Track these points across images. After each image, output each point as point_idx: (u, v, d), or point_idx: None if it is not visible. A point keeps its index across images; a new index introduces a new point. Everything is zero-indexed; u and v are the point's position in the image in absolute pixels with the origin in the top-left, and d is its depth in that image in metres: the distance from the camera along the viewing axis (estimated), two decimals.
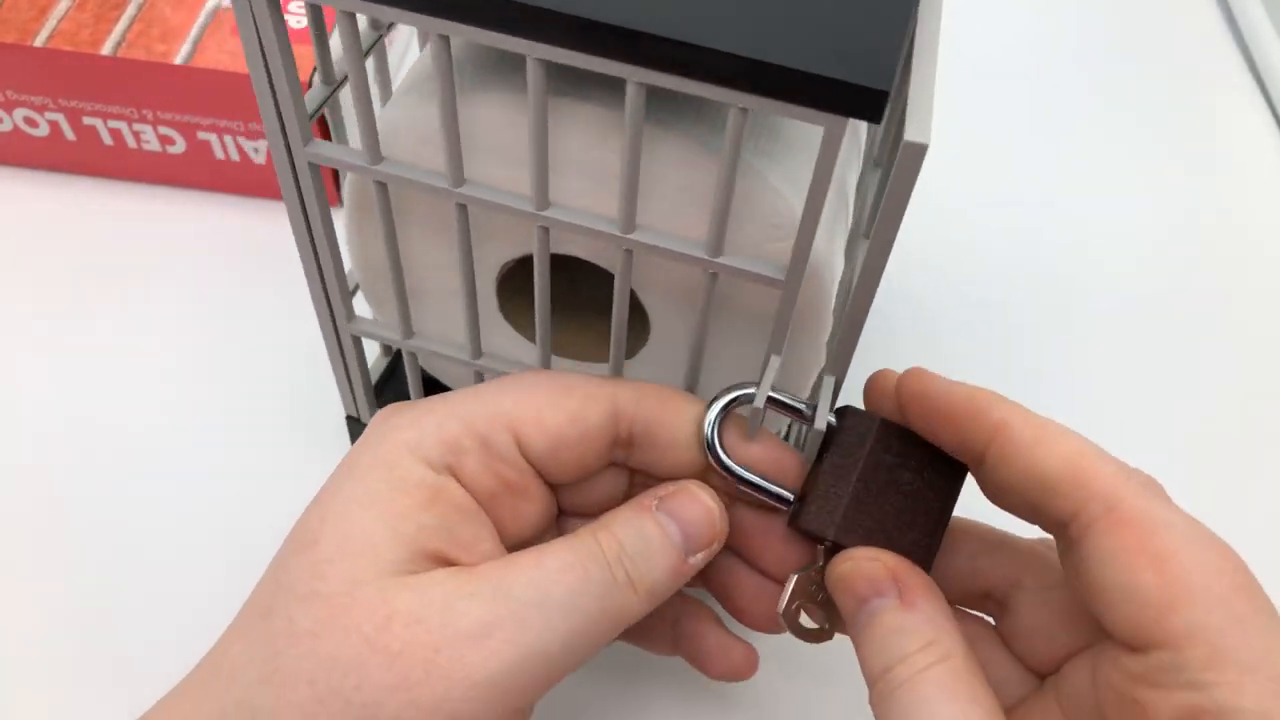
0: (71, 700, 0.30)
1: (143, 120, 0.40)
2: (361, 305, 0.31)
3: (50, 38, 0.38)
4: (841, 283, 0.28)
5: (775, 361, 0.24)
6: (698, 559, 0.23)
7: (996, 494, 0.22)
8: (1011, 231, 0.45)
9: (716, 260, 0.22)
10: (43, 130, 0.41)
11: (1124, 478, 0.20)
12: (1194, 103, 0.51)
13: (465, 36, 0.20)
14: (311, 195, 0.26)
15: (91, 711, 0.29)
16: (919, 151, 0.18)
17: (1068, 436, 0.21)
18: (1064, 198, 0.47)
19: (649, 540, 0.23)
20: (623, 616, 0.22)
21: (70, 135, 0.41)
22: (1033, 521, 0.22)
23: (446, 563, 0.22)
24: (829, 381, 0.24)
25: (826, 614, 0.24)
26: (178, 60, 0.38)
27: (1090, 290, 0.43)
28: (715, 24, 0.19)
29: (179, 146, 0.41)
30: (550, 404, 0.23)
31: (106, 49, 0.38)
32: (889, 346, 0.41)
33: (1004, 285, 0.43)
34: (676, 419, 0.24)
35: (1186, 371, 0.41)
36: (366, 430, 0.24)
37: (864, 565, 0.22)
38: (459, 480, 0.23)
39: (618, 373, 0.26)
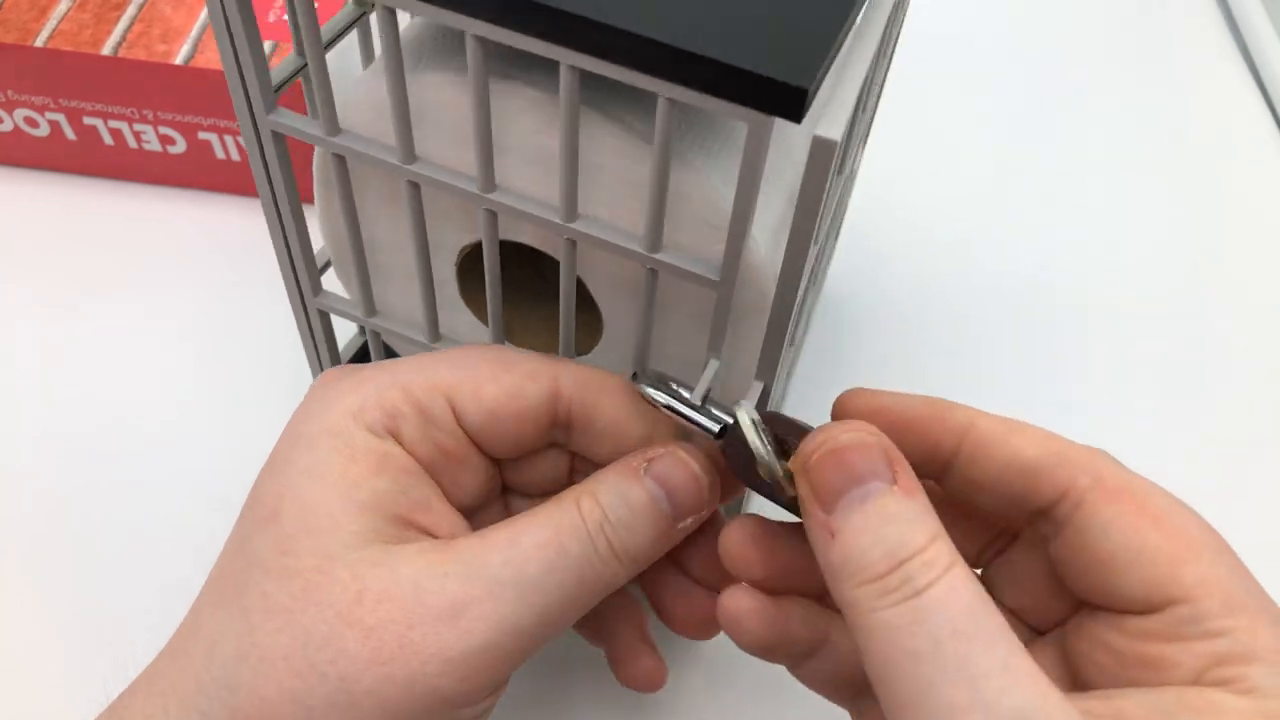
0: (73, 697, 0.30)
1: (143, 120, 0.40)
2: (335, 284, 0.31)
3: (51, 38, 0.38)
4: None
5: (714, 365, 0.23)
6: (687, 524, 0.23)
7: (970, 493, 0.22)
8: (1011, 232, 0.45)
9: (654, 256, 0.22)
10: (43, 130, 0.41)
11: (1099, 456, 0.21)
12: (1194, 103, 0.50)
13: (407, 9, 0.20)
14: (276, 166, 0.26)
15: (95, 706, 0.29)
16: (829, 147, 0.18)
17: (1033, 427, 0.21)
18: (1063, 198, 0.47)
19: (634, 506, 0.22)
20: (604, 585, 0.22)
21: (71, 135, 0.41)
22: (1005, 514, 0.22)
23: (407, 524, 0.22)
24: (756, 386, 0.23)
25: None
26: (178, 60, 0.38)
27: (1089, 290, 0.43)
28: (645, 9, 0.19)
29: (179, 146, 0.41)
30: (490, 378, 0.23)
31: (107, 49, 0.38)
32: (889, 349, 0.40)
33: (1003, 284, 0.43)
34: (615, 407, 0.24)
35: (1186, 371, 0.41)
36: (308, 395, 0.24)
37: (866, 438, 0.19)
38: (400, 445, 0.23)
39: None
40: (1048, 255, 0.44)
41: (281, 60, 0.26)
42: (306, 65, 0.26)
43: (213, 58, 0.39)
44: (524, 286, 0.32)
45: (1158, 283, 0.44)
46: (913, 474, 0.19)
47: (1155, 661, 0.19)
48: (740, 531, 0.22)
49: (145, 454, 0.36)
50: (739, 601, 0.22)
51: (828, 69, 0.18)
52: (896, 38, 0.30)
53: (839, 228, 0.39)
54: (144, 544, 0.34)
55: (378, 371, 0.24)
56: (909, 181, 0.46)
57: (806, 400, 0.38)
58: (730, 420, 0.22)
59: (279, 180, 0.26)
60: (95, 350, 0.38)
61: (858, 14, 0.19)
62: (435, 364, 0.24)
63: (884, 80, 0.33)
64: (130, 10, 0.40)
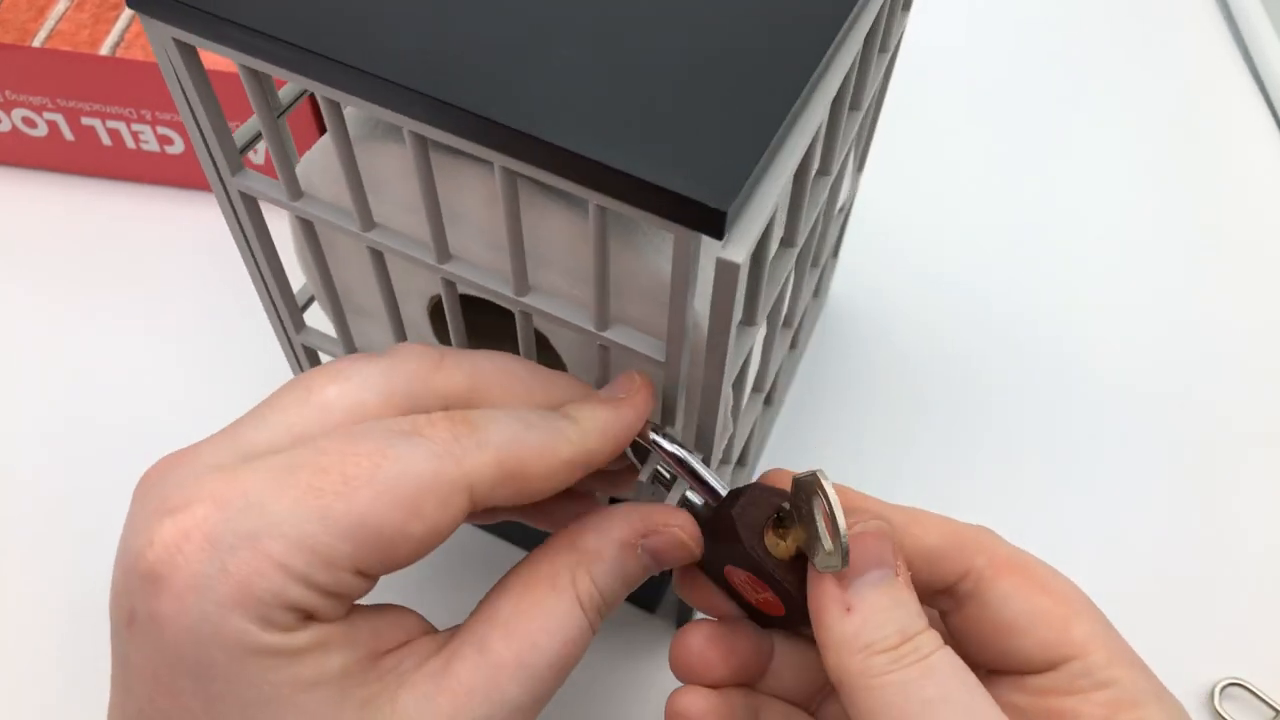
0: (70, 696, 0.32)
1: (141, 120, 0.40)
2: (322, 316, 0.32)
3: (49, 38, 0.39)
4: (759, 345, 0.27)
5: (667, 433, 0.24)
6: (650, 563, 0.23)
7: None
8: (1009, 232, 0.45)
9: (602, 335, 0.22)
10: (41, 130, 0.41)
11: (984, 533, 0.23)
12: (1194, 104, 0.50)
13: (348, 103, 0.20)
14: (247, 221, 0.26)
15: (94, 705, 0.30)
16: (732, 270, 0.18)
17: (927, 514, 0.23)
18: (1062, 198, 0.46)
19: (628, 579, 0.22)
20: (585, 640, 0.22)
21: (69, 135, 0.41)
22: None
23: (376, 669, 0.20)
24: (693, 458, 0.23)
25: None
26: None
27: (1089, 289, 0.43)
28: (574, 118, 0.18)
29: (177, 147, 0.41)
30: (396, 535, 0.19)
31: (105, 49, 0.38)
32: (889, 368, 0.40)
33: (1001, 283, 0.43)
34: (542, 475, 0.21)
35: (1185, 372, 0.40)
36: (148, 570, 0.18)
37: (882, 525, 0.22)
38: (318, 622, 0.19)
39: None
40: (1046, 255, 0.44)
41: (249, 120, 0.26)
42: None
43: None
44: (493, 328, 0.32)
45: (1158, 284, 0.43)
46: (906, 564, 0.22)
47: (1059, 714, 0.21)
48: (699, 637, 0.23)
49: (145, 453, 0.35)
50: (695, 703, 0.22)
51: (752, 188, 0.18)
52: (876, 96, 0.29)
53: (835, 249, 0.38)
54: None
55: (229, 524, 0.18)
56: (912, 192, 0.46)
57: (802, 425, 0.38)
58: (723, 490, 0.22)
59: (252, 235, 0.27)
60: (93, 350, 0.39)
61: (787, 132, 0.19)
62: (312, 517, 0.18)
63: (879, 98, 0.32)
64: (128, 10, 0.40)
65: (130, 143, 0.42)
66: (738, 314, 0.20)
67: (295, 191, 0.25)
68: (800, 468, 0.36)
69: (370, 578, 0.19)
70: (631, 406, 0.22)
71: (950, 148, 0.48)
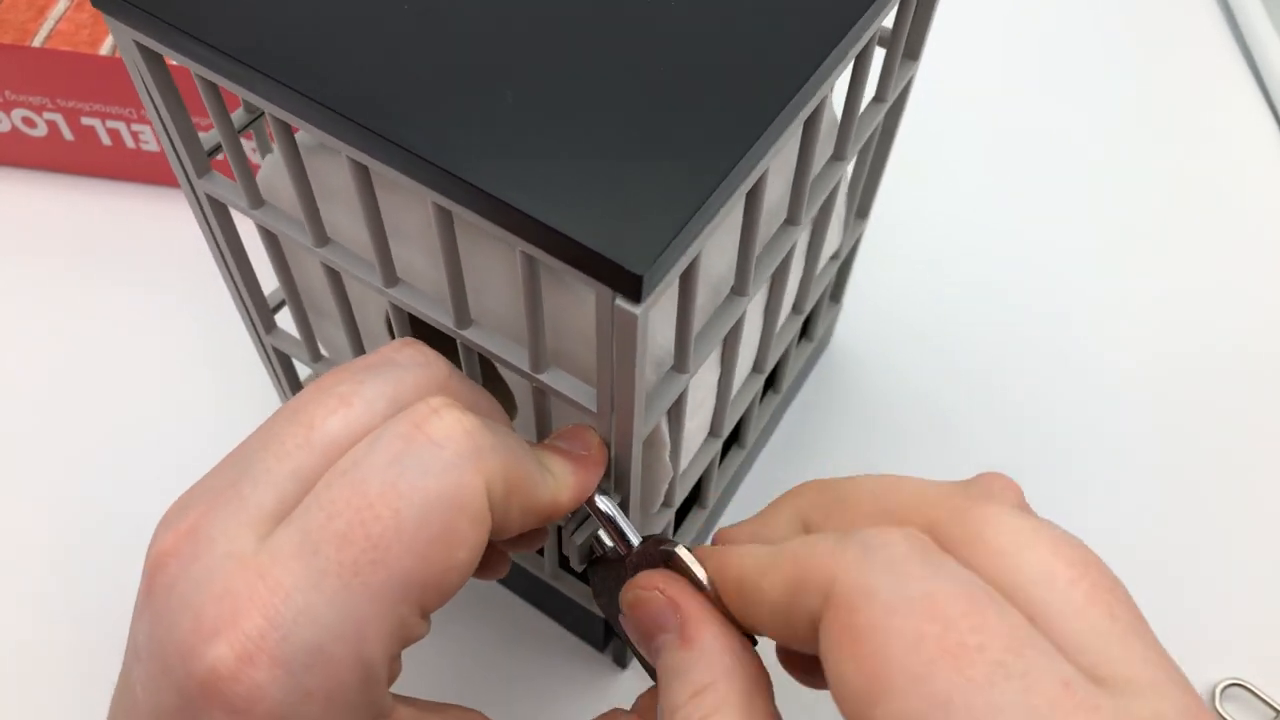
0: (67, 693, 0.32)
1: (141, 120, 0.40)
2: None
3: (48, 38, 0.38)
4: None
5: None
6: None
7: (784, 642, 0.19)
8: (1008, 230, 0.44)
9: (538, 377, 0.22)
10: (41, 130, 0.41)
11: (840, 550, 0.17)
12: (1194, 103, 0.49)
13: (294, 124, 0.20)
14: (215, 224, 0.26)
15: (92, 703, 0.29)
16: (629, 319, 0.17)
17: (789, 548, 0.18)
18: (1062, 197, 0.46)
19: None
20: None
21: (68, 135, 0.41)
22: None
23: None
24: (608, 502, 0.22)
25: None
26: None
27: (1088, 289, 0.43)
28: (505, 164, 0.18)
29: None
30: (444, 571, 0.18)
31: (104, 49, 0.38)
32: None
33: (999, 281, 0.43)
34: (530, 504, 0.21)
35: (1184, 373, 0.40)
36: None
37: (642, 595, 0.20)
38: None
39: None
40: (1045, 255, 0.44)
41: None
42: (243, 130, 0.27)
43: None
44: (448, 342, 0.32)
45: (1158, 285, 0.43)
46: (699, 613, 0.19)
47: None
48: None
49: (145, 452, 0.37)
50: None
51: (679, 253, 0.18)
52: (877, 144, 0.28)
53: (835, 295, 0.37)
54: (144, 542, 0.35)
55: (288, 643, 0.17)
56: (919, 221, 0.45)
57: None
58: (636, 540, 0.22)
59: (220, 237, 0.27)
60: (93, 350, 0.39)
61: (725, 196, 0.18)
62: (361, 601, 0.17)
63: (881, 147, 0.31)
64: None
65: (130, 143, 0.41)
66: (648, 362, 0.19)
67: (255, 200, 0.24)
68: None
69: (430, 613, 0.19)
70: (594, 465, 0.22)
71: (944, 135, 0.47)
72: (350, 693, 0.17)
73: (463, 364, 0.24)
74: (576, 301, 0.21)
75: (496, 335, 0.22)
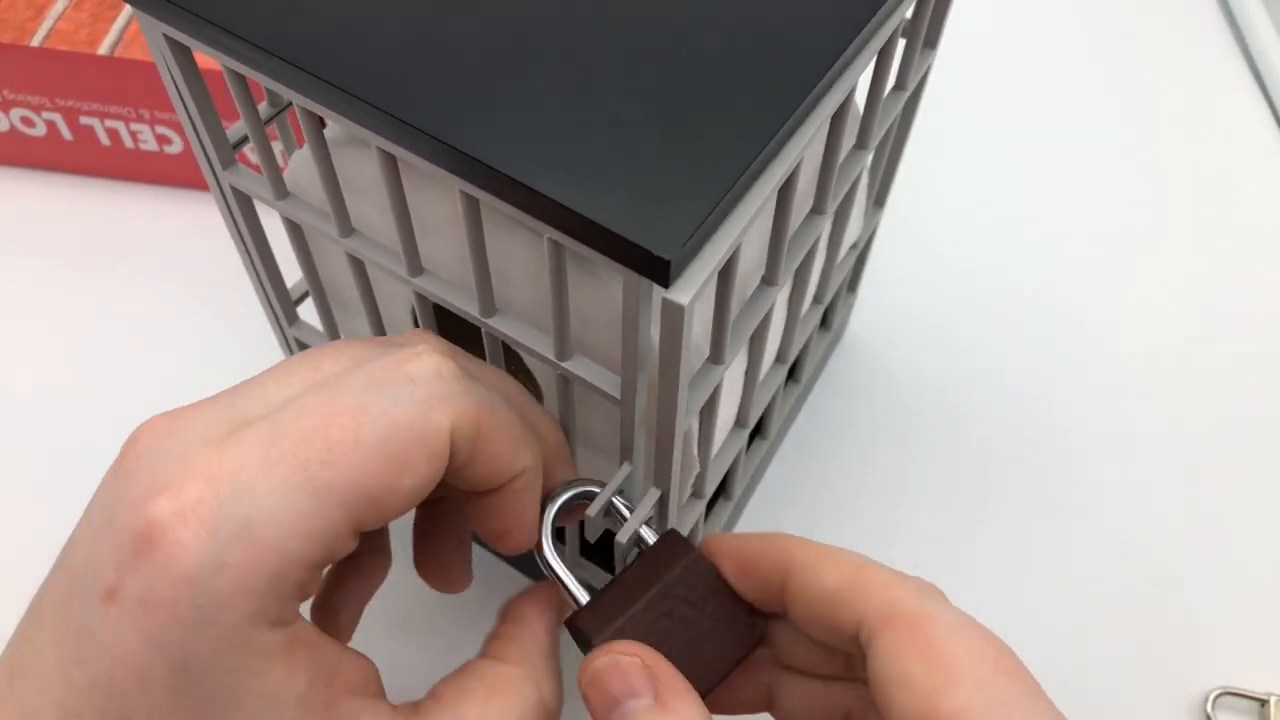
0: None
1: (140, 120, 0.40)
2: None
3: (47, 37, 0.38)
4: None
5: (625, 469, 0.23)
6: None
7: (805, 627, 0.22)
8: (1008, 231, 0.45)
9: (562, 365, 0.22)
10: (39, 130, 0.41)
11: (900, 583, 0.20)
12: (1194, 103, 0.50)
13: (323, 115, 0.20)
14: (240, 216, 0.27)
15: None
16: (677, 311, 0.17)
17: (846, 554, 0.21)
18: (1061, 197, 0.46)
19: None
20: None
21: (67, 135, 0.41)
22: (835, 645, 0.21)
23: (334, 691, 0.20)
24: (652, 494, 0.23)
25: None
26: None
27: (1088, 288, 0.43)
28: (534, 151, 0.18)
29: (176, 146, 0.41)
30: (386, 492, 0.19)
31: (103, 49, 0.38)
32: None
33: (999, 280, 0.43)
34: (496, 454, 0.21)
35: (1183, 375, 0.40)
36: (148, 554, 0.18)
37: (620, 660, 0.21)
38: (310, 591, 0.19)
39: None
40: (1045, 254, 0.44)
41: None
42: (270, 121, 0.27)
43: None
44: (473, 333, 0.32)
45: (1158, 285, 0.43)
46: (678, 684, 0.20)
47: None
48: None
49: None
50: None
51: (708, 234, 0.18)
52: (896, 133, 0.28)
53: (851, 284, 0.37)
54: None
55: (223, 510, 0.18)
56: (935, 220, 0.45)
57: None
58: None
59: (244, 229, 0.27)
60: (93, 349, 0.39)
61: (752, 180, 0.18)
62: (302, 493, 0.18)
63: (899, 135, 0.31)
64: (127, 10, 0.40)
65: (129, 142, 0.41)
66: (690, 353, 0.19)
67: (280, 191, 0.25)
68: (796, 505, 0.35)
69: (360, 533, 0.19)
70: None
71: (946, 134, 0.47)
72: (261, 580, 0.18)
73: (487, 353, 0.24)
74: (602, 289, 0.21)
75: (521, 324, 0.23)
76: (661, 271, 0.17)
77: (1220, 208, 0.46)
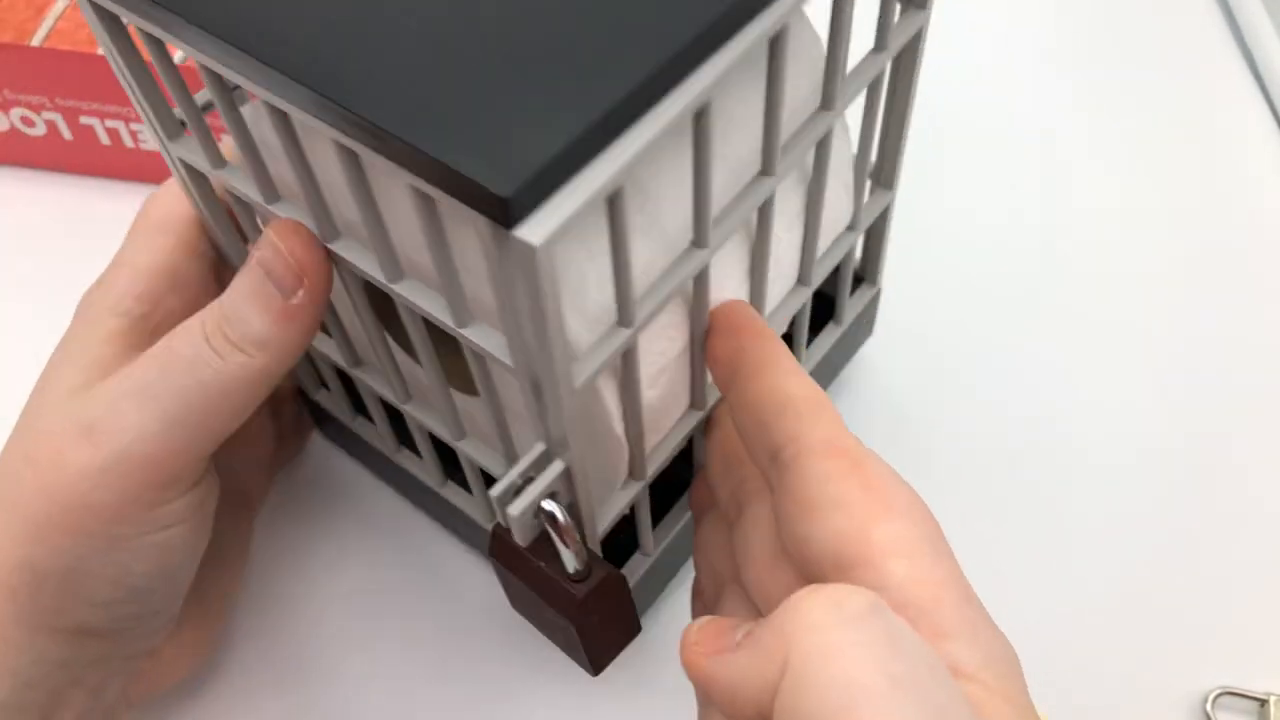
0: None
1: (139, 119, 0.40)
2: None
3: (47, 37, 0.38)
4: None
5: (539, 447, 0.22)
6: (299, 298, 0.23)
7: (735, 412, 0.23)
8: (1007, 229, 0.43)
9: (461, 331, 0.21)
10: (39, 130, 0.41)
11: (841, 426, 0.21)
12: (1194, 103, 0.48)
13: (204, 62, 0.20)
14: (193, 189, 0.27)
15: None
16: (528, 253, 0.16)
17: (806, 384, 0.22)
18: (1061, 196, 0.44)
19: (241, 295, 0.23)
20: (241, 377, 0.23)
21: (67, 135, 0.41)
22: (753, 447, 0.22)
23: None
24: (555, 466, 0.21)
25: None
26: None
27: (1088, 288, 0.41)
28: (397, 96, 0.17)
29: None
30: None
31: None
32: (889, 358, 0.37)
33: (998, 279, 0.41)
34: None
35: (1185, 372, 0.39)
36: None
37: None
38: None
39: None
40: (1044, 253, 0.43)
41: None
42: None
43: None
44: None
45: (1158, 285, 0.42)
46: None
47: None
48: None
49: None
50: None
51: (567, 172, 0.16)
52: (891, 106, 0.26)
53: (871, 276, 0.35)
54: None
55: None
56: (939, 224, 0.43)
57: None
58: None
59: (200, 203, 0.27)
60: None
61: (640, 109, 0.17)
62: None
63: (900, 110, 0.29)
64: None
65: (129, 142, 0.42)
66: (585, 313, 0.18)
67: (217, 160, 0.25)
68: None
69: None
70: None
71: (946, 132, 0.45)
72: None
73: (408, 329, 0.23)
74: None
75: (429, 291, 0.22)
76: (500, 209, 0.16)
77: (1219, 209, 0.44)
